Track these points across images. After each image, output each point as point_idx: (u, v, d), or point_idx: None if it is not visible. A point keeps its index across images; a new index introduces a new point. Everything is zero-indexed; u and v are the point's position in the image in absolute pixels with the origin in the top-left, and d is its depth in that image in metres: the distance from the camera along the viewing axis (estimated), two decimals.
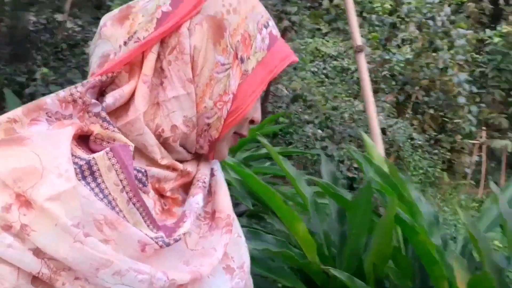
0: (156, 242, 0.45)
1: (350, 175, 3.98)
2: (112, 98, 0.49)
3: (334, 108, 4.73)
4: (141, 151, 0.51)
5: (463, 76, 3.85)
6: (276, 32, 0.58)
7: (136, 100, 0.49)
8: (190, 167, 0.56)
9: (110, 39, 0.52)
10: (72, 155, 0.45)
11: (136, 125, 0.49)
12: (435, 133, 7.78)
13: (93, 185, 0.45)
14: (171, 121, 0.51)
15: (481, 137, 9.43)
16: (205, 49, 0.51)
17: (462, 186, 9.51)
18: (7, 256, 0.39)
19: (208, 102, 0.51)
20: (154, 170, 0.51)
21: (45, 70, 3.59)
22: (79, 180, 0.44)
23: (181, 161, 0.55)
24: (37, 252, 0.40)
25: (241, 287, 0.57)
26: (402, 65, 5.23)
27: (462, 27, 4.89)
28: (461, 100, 4.23)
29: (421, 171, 7.23)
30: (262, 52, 0.55)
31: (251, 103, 0.54)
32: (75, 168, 0.43)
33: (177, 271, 0.48)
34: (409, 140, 6.82)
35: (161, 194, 0.53)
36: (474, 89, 4.59)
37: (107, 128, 0.48)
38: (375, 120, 2.96)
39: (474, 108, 4.79)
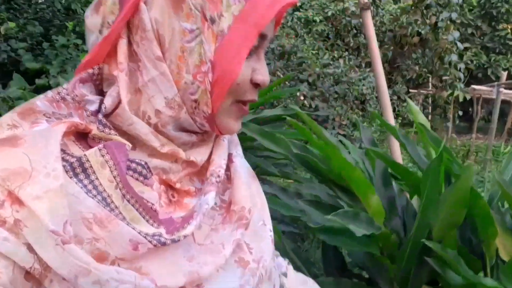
0: (150, 241, 0.44)
1: (341, 132, 4.05)
2: (110, 98, 0.47)
3: (325, 66, 4.66)
4: (141, 142, 0.49)
5: (457, 33, 3.97)
6: None
7: (120, 91, 0.47)
8: (195, 155, 0.52)
9: (92, 29, 0.49)
10: (65, 152, 0.44)
11: (124, 116, 0.47)
12: None
13: (86, 182, 0.43)
14: (153, 106, 0.48)
15: None
16: (168, 20, 0.46)
17: None
18: (4, 250, 0.39)
19: (187, 77, 0.47)
20: (155, 162, 0.49)
21: (11, 24, 3.11)
22: (71, 177, 0.42)
23: (187, 145, 0.52)
24: (30, 248, 0.39)
25: (252, 284, 0.53)
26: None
27: None
28: (454, 57, 4.38)
29: None
30: (239, 4, 0.47)
31: (238, 65, 0.47)
32: (65, 166, 0.42)
33: (172, 274, 0.46)
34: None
35: (169, 185, 0.51)
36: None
37: (103, 131, 0.46)
38: (383, 79, 2.96)
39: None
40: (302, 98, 4.18)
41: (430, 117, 9.98)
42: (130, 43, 0.47)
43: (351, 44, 6.22)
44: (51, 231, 0.38)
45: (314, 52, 5.55)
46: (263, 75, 0.51)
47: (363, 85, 5.50)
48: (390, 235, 1.45)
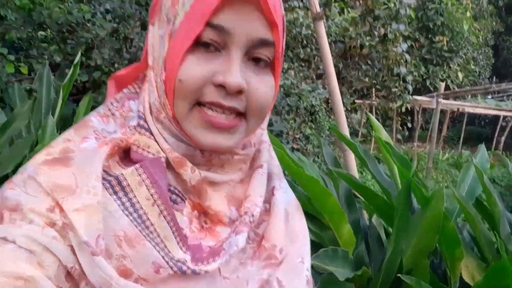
0: (171, 267, 0.45)
1: (295, 146, 3.94)
2: (141, 105, 0.52)
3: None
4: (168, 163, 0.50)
5: (405, 45, 4.01)
6: None
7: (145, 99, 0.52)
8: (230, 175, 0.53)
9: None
10: (107, 173, 0.47)
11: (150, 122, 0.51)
12: None
13: (124, 199, 0.46)
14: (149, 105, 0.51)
15: None
16: (155, 35, 0.51)
17: None
18: (52, 247, 0.42)
19: (158, 80, 0.49)
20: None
21: None
22: (111, 195, 0.46)
23: (194, 161, 0.51)
24: (73, 250, 0.43)
25: None
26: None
27: None
28: (403, 70, 4.43)
29: None
30: (190, 0, 0.45)
31: (176, 59, 0.45)
32: (104, 184, 0.45)
33: None
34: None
35: (203, 211, 0.51)
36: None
37: (144, 134, 0.49)
38: (337, 91, 2.86)
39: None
40: None
41: None
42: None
43: (302, 56, 6.22)
44: (84, 242, 0.42)
45: None
46: (224, 76, 0.45)
47: (313, 96, 5.48)
48: (369, 273, 1.31)
